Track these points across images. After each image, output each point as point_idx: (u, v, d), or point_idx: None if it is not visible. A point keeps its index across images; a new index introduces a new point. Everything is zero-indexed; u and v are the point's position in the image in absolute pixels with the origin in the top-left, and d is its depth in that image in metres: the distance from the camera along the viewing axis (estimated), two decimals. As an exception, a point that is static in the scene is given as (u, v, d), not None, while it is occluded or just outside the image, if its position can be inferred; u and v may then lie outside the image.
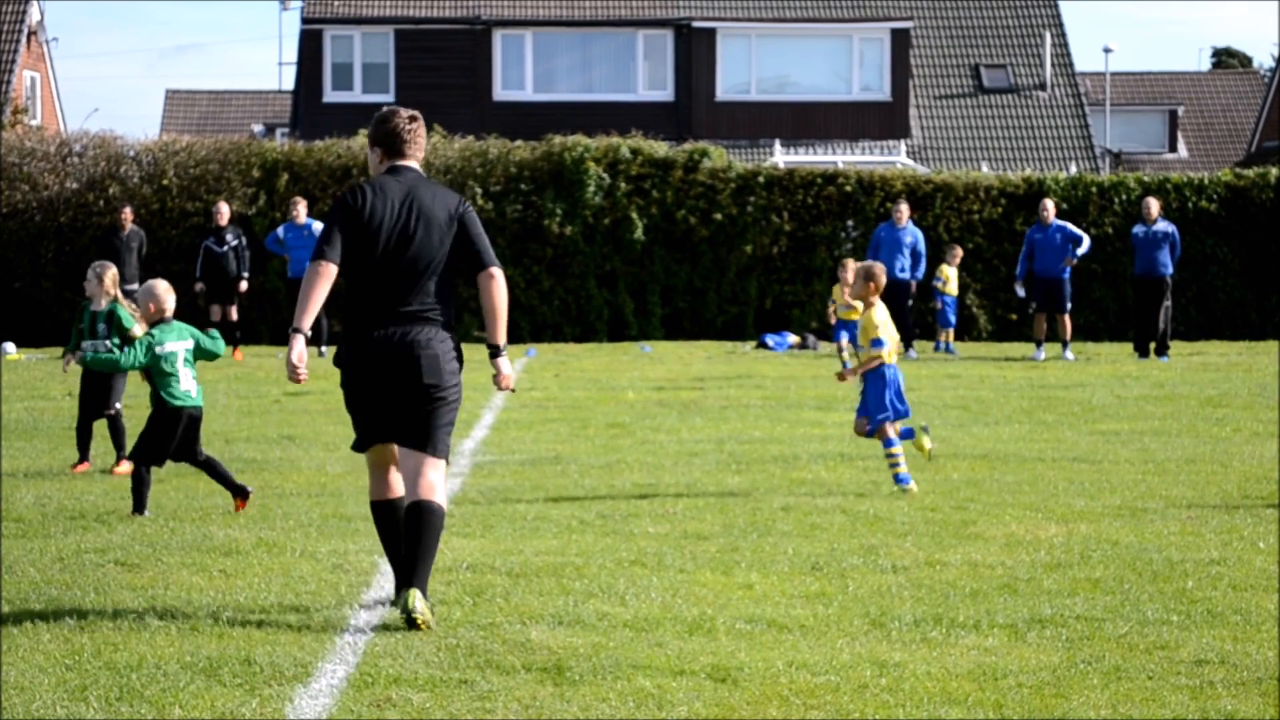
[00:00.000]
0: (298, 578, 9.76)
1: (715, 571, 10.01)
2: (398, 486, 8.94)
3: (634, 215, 33.47)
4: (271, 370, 25.53)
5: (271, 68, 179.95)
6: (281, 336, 32.64)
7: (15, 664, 7.79)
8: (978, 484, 13.66)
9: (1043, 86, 49.13)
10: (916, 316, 34.10)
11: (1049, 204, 28.73)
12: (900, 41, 46.27)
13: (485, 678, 7.58)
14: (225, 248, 28.83)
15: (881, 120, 46.43)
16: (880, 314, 13.61)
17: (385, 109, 9.24)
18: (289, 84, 69.38)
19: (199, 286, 29.06)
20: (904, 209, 29.18)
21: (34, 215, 32.51)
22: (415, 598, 8.52)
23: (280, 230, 28.86)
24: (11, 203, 32.48)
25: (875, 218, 33.08)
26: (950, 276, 31.33)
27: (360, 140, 33.64)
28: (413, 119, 9.09)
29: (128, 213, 29.18)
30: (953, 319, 31.29)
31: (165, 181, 32.63)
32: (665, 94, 46.24)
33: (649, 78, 46.42)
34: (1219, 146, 66.39)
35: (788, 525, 11.67)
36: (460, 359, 8.94)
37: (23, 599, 9.16)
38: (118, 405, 15.05)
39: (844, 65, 46.71)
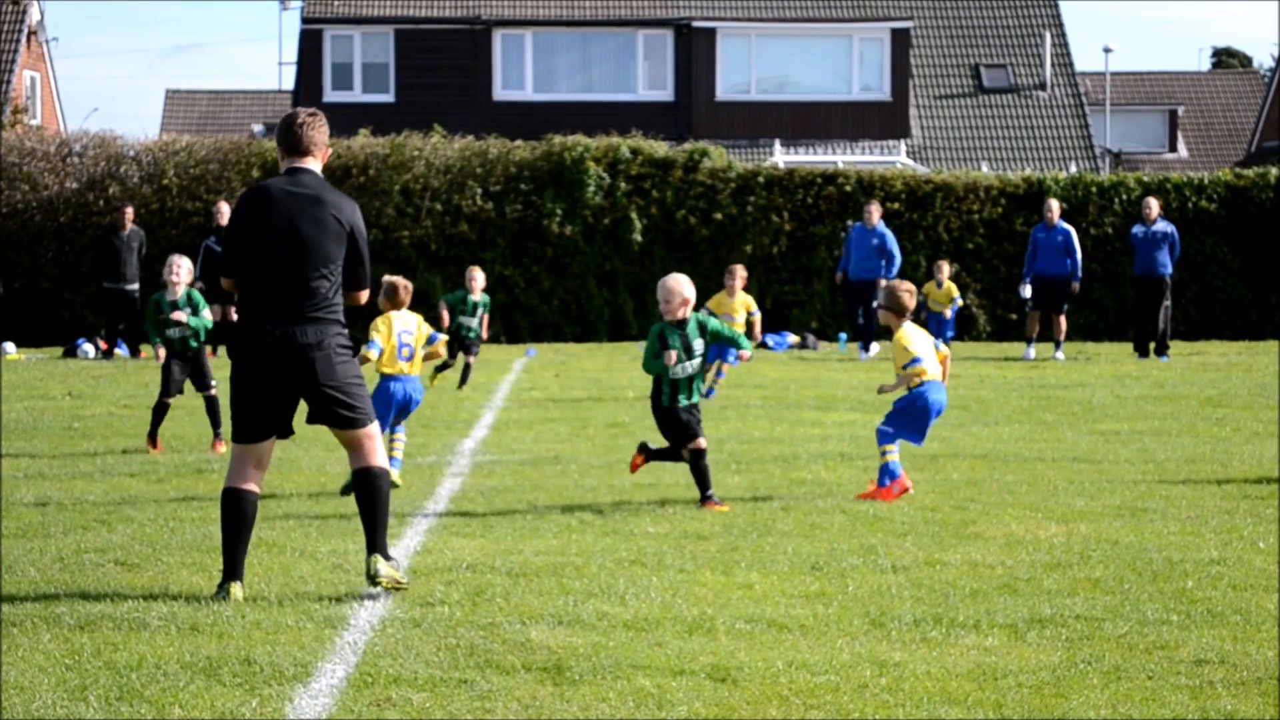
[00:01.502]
0: (298, 578, 9.75)
1: (715, 571, 10.01)
2: (255, 480, 9.32)
3: (634, 215, 33.46)
4: (271, 370, 25.49)
5: (271, 68, 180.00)
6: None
7: (15, 664, 7.79)
8: (978, 484, 13.66)
9: (1043, 86, 49.12)
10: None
11: (1054, 205, 28.79)
12: (900, 41, 46.26)
13: (485, 678, 7.58)
14: (225, 247, 28.85)
15: (881, 120, 46.42)
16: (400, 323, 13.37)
17: (290, 111, 9.65)
18: (289, 84, 69.38)
19: (199, 286, 29.07)
20: (874, 210, 29.17)
21: (34, 215, 32.52)
22: (379, 563, 9.18)
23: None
24: (11, 203, 32.49)
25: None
26: (934, 292, 29.97)
27: (360, 140, 33.67)
28: (311, 115, 9.47)
29: (129, 212, 29.15)
30: (942, 334, 29.48)
31: (165, 181, 32.64)
32: (665, 94, 46.22)
33: (649, 78, 46.40)
34: (1219, 146, 66.38)
35: (788, 525, 11.66)
36: (351, 347, 9.50)
37: (23, 599, 9.16)
38: (214, 384, 16.22)
39: (844, 65, 46.70)
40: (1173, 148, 66.09)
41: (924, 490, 13.27)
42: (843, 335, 31.89)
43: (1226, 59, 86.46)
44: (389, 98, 45.36)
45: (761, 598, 9.29)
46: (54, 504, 12.55)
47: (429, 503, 12.74)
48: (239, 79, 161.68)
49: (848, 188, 34.07)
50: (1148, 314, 28.41)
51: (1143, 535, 11.28)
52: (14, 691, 7.34)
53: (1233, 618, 8.77)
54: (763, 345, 31.47)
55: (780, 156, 42.51)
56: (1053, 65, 49.53)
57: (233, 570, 9.22)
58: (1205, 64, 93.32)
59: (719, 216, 33.63)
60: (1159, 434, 17.27)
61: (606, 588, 9.47)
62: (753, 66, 46.55)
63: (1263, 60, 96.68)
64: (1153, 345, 28.33)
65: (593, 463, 15.08)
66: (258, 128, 63.69)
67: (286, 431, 9.43)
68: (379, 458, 9.40)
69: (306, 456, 15.48)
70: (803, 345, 31.80)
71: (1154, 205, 28.62)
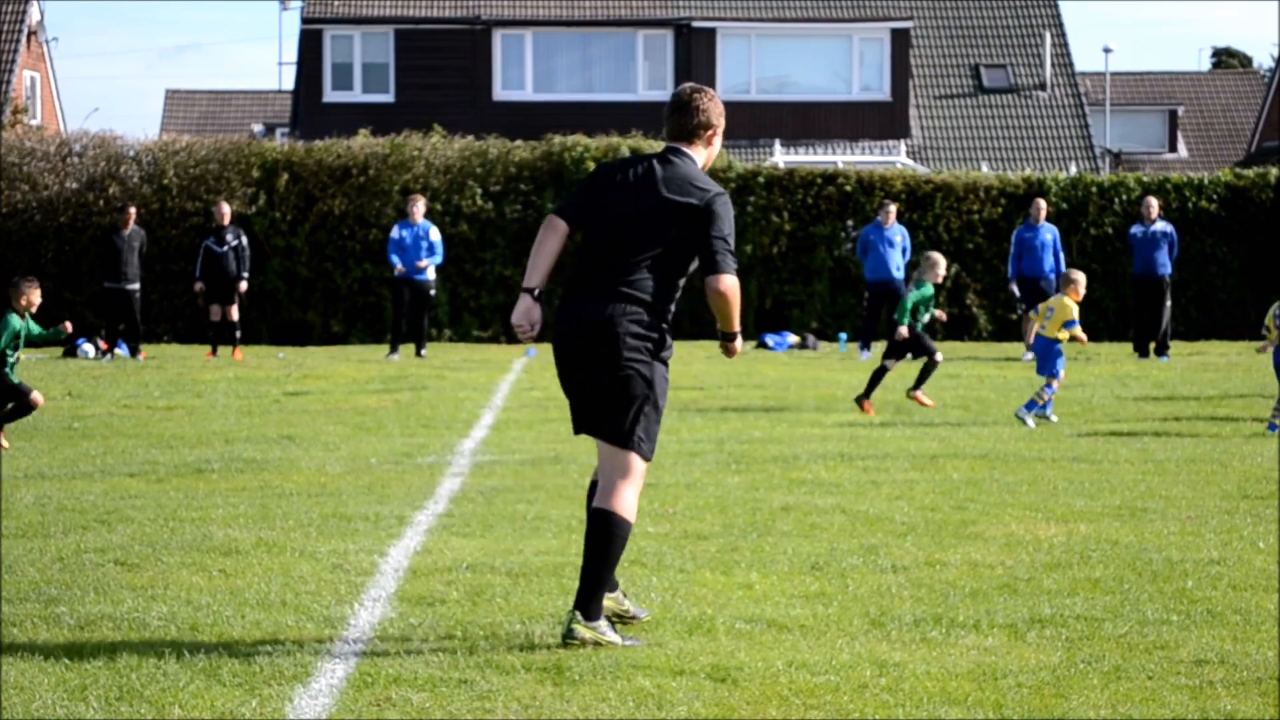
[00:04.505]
0: (298, 578, 9.75)
1: (715, 571, 10.01)
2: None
3: (634, 215, 33.45)
4: (271, 370, 25.52)
5: (271, 68, 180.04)
6: (281, 337, 32.67)
7: (15, 664, 7.78)
8: (978, 484, 13.65)
9: (1043, 86, 49.13)
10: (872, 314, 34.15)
11: (1041, 203, 28.83)
12: (900, 41, 46.27)
13: (485, 678, 7.57)
14: (225, 247, 28.82)
15: (881, 120, 46.43)
16: None
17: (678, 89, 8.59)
18: (289, 84, 69.41)
19: (199, 286, 29.06)
20: (892, 209, 29.20)
21: (34, 215, 32.52)
22: (579, 624, 8.07)
23: (395, 230, 28.39)
24: (11, 203, 32.49)
25: (875, 218, 33.09)
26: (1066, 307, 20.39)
27: (360, 140, 33.67)
28: (693, 92, 8.42)
29: (131, 212, 29.15)
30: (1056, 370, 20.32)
31: (165, 181, 32.64)
32: (665, 94, 46.17)
33: (649, 78, 46.42)
34: (1219, 146, 66.39)
35: (788, 525, 11.66)
36: (665, 343, 8.34)
37: (23, 599, 9.15)
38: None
39: (844, 65, 46.71)
40: (1173, 148, 66.09)
41: (924, 490, 13.27)
42: (843, 335, 31.88)
43: (1226, 59, 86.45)
44: (389, 98, 45.38)
45: (761, 598, 9.29)
46: (54, 504, 12.54)
47: (429, 503, 12.74)
48: (239, 79, 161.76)
49: (848, 188, 34.07)
50: (1147, 314, 28.40)
51: (1143, 535, 11.28)
52: (14, 691, 7.33)
53: (1233, 618, 8.76)
54: (762, 345, 31.48)
55: (780, 156, 42.52)
56: (1053, 65, 49.53)
57: (579, 597, 8.05)
58: (1205, 64, 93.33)
59: (719, 216, 33.61)
60: (1159, 434, 17.27)
61: (606, 588, 9.45)
62: (753, 66, 46.57)
63: (1263, 60, 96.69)
64: (1153, 345, 28.33)
65: (592, 463, 15.06)
66: (258, 128, 63.70)
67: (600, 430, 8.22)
68: (626, 503, 8.08)
69: (306, 456, 15.48)
70: (803, 345, 31.79)
71: (1154, 205, 28.65)
